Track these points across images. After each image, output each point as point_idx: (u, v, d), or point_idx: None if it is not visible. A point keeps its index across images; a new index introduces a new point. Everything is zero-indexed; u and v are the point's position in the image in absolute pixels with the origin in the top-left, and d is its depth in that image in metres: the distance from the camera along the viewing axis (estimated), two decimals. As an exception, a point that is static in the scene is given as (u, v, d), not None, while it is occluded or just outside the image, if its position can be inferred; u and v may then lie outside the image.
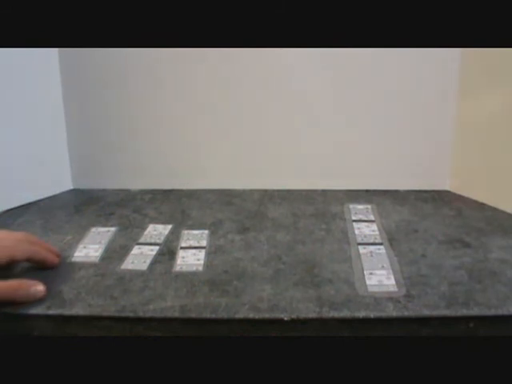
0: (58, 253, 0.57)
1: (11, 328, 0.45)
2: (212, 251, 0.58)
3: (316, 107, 0.75)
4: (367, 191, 0.77)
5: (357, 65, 0.73)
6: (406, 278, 0.51)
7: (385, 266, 0.54)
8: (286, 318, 0.45)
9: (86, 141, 0.79)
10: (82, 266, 0.55)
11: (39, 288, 0.48)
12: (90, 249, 0.59)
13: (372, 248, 0.58)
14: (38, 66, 0.73)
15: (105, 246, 0.60)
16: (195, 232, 0.63)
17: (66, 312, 0.46)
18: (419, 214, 0.68)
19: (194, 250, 0.59)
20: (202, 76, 0.75)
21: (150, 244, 0.60)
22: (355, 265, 0.54)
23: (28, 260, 0.52)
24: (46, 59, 0.74)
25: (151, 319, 0.46)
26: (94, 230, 0.64)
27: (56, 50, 0.75)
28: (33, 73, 0.72)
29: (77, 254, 0.58)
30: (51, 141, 0.77)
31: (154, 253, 0.58)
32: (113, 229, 0.64)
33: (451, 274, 0.52)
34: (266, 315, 0.46)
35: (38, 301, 0.47)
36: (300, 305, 0.47)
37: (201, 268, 0.55)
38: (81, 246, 0.60)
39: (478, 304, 0.46)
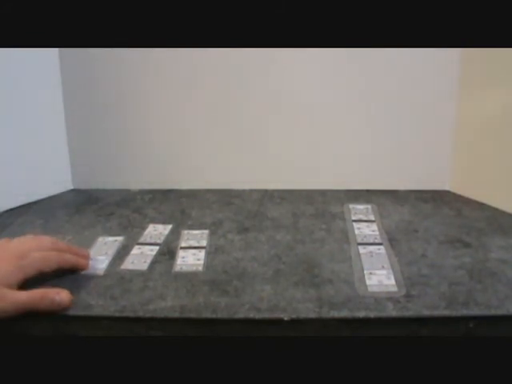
0: (87, 254, 0.55)
1: (11, 328, 0.45)
2: (212, 251, 0.58)
3: (316, 107, 0.75)
4: (367, 191, 0.77)
5: (357, 65, 0.73)
6: (406, 277, 0.51)
7: (385, 266, 0.54)
8: (286, 318, 0.45)
9: (86, 141, 0.79)
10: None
11: (64, 296, 0.46)
12: (95, 260, 0.56)
13: (372, 248, 0.58)
14: (38, 66, 0.73)
15: (111, 257, 0.57)
16: (195, 232, 0.63)
17: (66, 312, 0.46)
18: (419, 214, 0.68)
19: (194, 250, 0.59)
20: (202, 76, 0.75)
21: (150, 244, 0.60)
22: (355, 265, 0.54)
23: (57, 269, 0.50)
24: (46, 59, 0.74)
25: (151, 319, 0.46)
26: (100, 239, 0.62)
27: (56, 49, 0.75)
28: (33, 73, 0.72)
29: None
30: (51, 141, 0.77)
31: (153, 253, 0.58)
32: (120, 238, 0.62)
33: (451, 274, 0.52)
34: (266, 315, 0.46)
35: (63, 310, 0.46)
36: (300, 305, 0.47)
37: (201, 268, 0.55)
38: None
39: (478, 304, 0.46)
